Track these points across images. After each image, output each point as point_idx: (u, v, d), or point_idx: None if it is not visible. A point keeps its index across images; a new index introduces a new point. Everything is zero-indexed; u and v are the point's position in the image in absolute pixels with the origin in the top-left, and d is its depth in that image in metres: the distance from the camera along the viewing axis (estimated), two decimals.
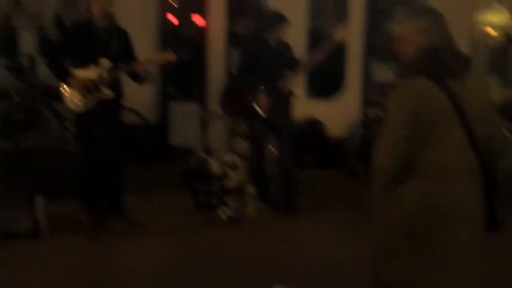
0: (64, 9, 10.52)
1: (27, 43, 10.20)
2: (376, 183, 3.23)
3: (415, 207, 3.12)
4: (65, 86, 6.19)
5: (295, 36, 8.33)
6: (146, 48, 8.42)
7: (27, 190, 6.82)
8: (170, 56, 6.23)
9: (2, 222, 5.87)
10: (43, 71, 9.17)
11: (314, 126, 9.18)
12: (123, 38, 6.30)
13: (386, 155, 3.16)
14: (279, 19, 6.88)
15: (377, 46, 9.52)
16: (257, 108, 6.80)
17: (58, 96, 7.12)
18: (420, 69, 3.14)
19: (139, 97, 8.92)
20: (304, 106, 9.15)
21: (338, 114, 9.27)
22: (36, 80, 9.21)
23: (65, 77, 6.16)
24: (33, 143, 8.80)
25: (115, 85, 6.23)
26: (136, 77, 6.26)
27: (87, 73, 6.08)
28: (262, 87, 6.79)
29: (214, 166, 7.51)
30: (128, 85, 6.44)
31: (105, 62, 6.06)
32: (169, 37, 9.66)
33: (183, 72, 9.93)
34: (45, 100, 8.89)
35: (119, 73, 6.13)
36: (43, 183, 7.11)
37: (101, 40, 6.13)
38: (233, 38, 9.98)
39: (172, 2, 9.80)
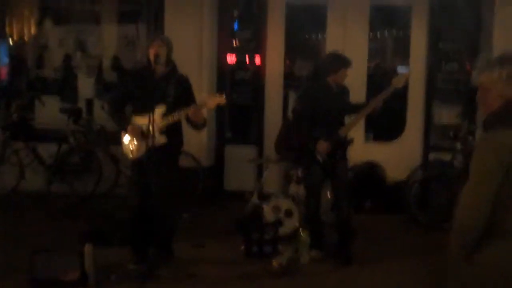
0: (123, 53, 10.63)
1: (86, 86, 10.31)
2: (456, 243, 2.95)
3: (497, 274, 2.84)
4: (123, 132, 6.20)
5: (355, 78, 8.17)
6: (203, 91, 8.40)
7: (78, 235, 6.79)
8: (221, 99, 6.08)
9: (50, 269, 5.75)
10: (100, 115, 9.24)
11: (373, 170, 8.91)
12: (182, 83, 6.21)
13: (469, 213, 2.88)
14: (344, 62, 6.67)
15: (440, 88, 9.25)
16: (314, 153, 6.58)
17: (114, 140, 7.13)
18: (506, 121, 2.90)
19: (195, 141, 8.85)
20: (363, 150, 8.96)
21: (398, 158, 9.01)
22: (93, 123, 9.25)
23: (124, 124, 6.16)
24: (87, 186, 8.81)
25: (173, 131, 6.12)
26: (191, 123, 6.14)
27: (144, 120, 6.01)
28: (319, 132, 6.57)
29: (268, 212, 7.35)
30: (184, 128, 6.36)
31: (160, 108, 5.98)
32: (226, 78, 9.60)
33: (240, 115, 9.83)
34: (101, 144, 8.90)
35: (174, 119, 6.01)
36: (94, 229, 7.06)
37: (159, 86, 6.06)
38: (291, 80, 9.87)
39: (232, 43, 9.72)
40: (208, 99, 6.14)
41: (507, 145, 2.85)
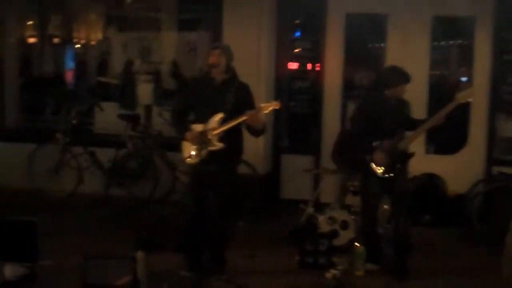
0: (183, 60, 10.68)
1: (145, 92, 10.40)
2: (508, 270, 2.80)
3: None
4: (183, 140, 6.22)
5: (416, 90, 8.01)
6: (261, 99, 8.35)
7: (132, 241, 6.81)
8: (275, 104, 6.07)
9: (102, 274, 5.76)
10: (158, 121, 9.30)
11: (433, 182, 8.71)
12: (242, 91, 6.20)
13: None
14: (402, 77, 6.52)
15: (504, 100, 9.00)
16: (371, 164, 6.45)
17: (171, 146, 7.13)
18: None
19: (251, 148, 8.80)
20: (424, 162, 8.77)
21: (460, 170, 8.80)
22: (150, 129, 9.31)
23: (183, 131, 6.18)
24: (144, 191, 8.87)
25: (232, 138, 6.09)
26: (250, 128, 6.10)
27: (204, 127, 6.05)
28: (377, 144, 6.43)
29: (324, 223, 7.24)
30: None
31: (219, 115, 5.98)
32: (285, 87, 9.54)
33: (297, 124, 9.76)
34: (158, 150, 8.94)
35: (231, 124, 5.98)
36: (149, 234, 7.07)
37: (218, 93, 6.07)
38: (350, 90, 9.75)
39: (291, 52, 9.65)
40: (263, 104, 6.10)
41: None
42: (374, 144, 6.41)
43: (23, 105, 10.79)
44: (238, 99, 6.09)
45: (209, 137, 5.99)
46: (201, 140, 6.04)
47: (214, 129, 5.97)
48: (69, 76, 11.81)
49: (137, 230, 7.42)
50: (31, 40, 11.88)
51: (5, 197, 8.52)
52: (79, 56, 11.88)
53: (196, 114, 6.27)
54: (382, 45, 9.53)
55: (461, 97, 6.35)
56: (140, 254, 5.85)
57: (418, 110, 8.44)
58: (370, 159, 6.44)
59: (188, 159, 6.20)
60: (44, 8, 11.75)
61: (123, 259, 5.93)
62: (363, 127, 6.57)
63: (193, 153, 6.12)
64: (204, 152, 6.04)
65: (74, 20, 12.00)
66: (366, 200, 6.74)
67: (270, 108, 6.09)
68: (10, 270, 5.83)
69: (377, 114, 6.49)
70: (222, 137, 6.02)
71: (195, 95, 6.26)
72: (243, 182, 8.37)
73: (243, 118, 5.94)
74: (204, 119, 6.02)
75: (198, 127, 6.10)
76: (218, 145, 6.00)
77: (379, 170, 6.42)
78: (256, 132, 6.16)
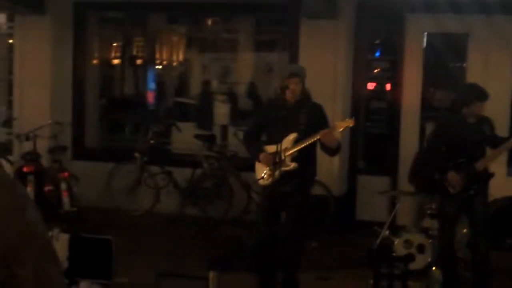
0: (260, 81, 10.74)
1: (221, 113, 10.47)
2: None
3: None
4: (256, 161, 6.24)
5: (497, 110, 7.79)
6: (337, 120, 8.27)
7: (206, 260, 6.83)
8: (349, 122, 6.00)
9: None
10: (233, 141, 9.34)
11: None
12: (316, 111, 6.16)
13: None
14: (479, 94, 6.34)
15: None
16: (447, 186, 6.28)
17: (245, 167, 7.13)
18: None
19: (326, 169, 8.73)
20: (505, 184, 8.50)
21: None
22: (226, 149, 9.36)
23: (256, 152, 6.19)
24: (219, 211, 8.91)
25: (306, 159, 6.05)
26: (324, 147, 6.04)
27: (276, 147, 6.01)
28: (453, 164, 6.26)
29: (399, 246, 7.08)
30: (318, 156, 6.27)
31: (292, 135, 5.95)
32: (361, 107, 9.44)
33: (374, 145, 9.62)
34: (233, 170, 8.97)
35: (305, 144, 5.93)
36: (222, 254, 7.08)
37: (292, 114, 6.05)
38: (428, 111, 9.56)
39: (368, 72, 9.55)
40: (337, 122, 6.04)
41: None
42: (450, 164, 6.24)
43: (103, 125, 11.05)
44: (312, 119, 6.05)
45: (282, 157, 5.96)
46: (274, 161, 6.01)
47: (287, 149, 5.94)
48: (149, 96, 12.04)
49: (210, 250, 7.43)
50: (113, 61, 12.19)
51: (84, 214, 8.69)
52: (158, 77, 12.11)
53: (269, 135, 6.27)
54: (463, 64, 9.33)
55: None
56: (212, 274, 5.84)
57: (500, 130, 8.22)
58: (444, 179, 6.28)
59: (260, 181, 6.18)
60: (126, 30, 12.05)
61: (196, 279, 5.96)
62: (439, 147, 6.43)
63: (265, 174, 6.10)
64: (277, 173, 5.99)
65: (155, 42, 12.25)
66: (444, 222, 6.57)
67: (345, 126, 6.03)
68: (86, 287, 5.91)
69: (454, 133, 6.35)
70: (296, 158, 5.98)
71: (268, 116, 6.27)
72: (318, 203, 8.35)
73: (317, 137, 5.89)
74: (276, 140, 5.97)
75: (271, 148, 6.08)
76: (292, 165, 5.97)
77: (454, 190, 6.24)
78: (330, 151, 6.10)
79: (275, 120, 6.12)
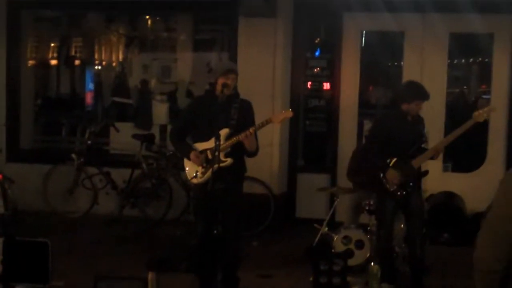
0: (199, 80, 10.66)
1: (160, 112, 10.39)
2: (478, 285, 2.70)
3: None
4: (186, 160, 6.14)
5: (433, 107, 7.92)
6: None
7: (145, 261, 6.75)
8: (287, 113, 6.01)
9: None
10: None
11: (451, 200, 8.57)
12: (245, 107, 6.10)
13: (486, 254, 2.64)
14: (420, 93, 6.42)
15: None
16: (384, 182, 6.35)
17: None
18: None
19: (266, 168, 8.76)
20: (441, 180, 8.67)
21: (478, 189, 8.64)
22: (165, 149, 9.28)
23: (187, 152, 6.10)
24: (158, 212, 8.83)
25: (237, 155, 6.00)
26: (244, 149, 5.99)
27: (207, 145, 5.98)
28: (391, 161, 6.33)
29: (338, 243, 7.13)
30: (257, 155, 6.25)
31: (224, 131, 5.89)
32: (300, 106, 9.48)
33: (313, 143, 9.69)
34: (172, 170, 8.90)
35: (238, 140, 5.90)
36: (161, 255, 7.01)
37: (223, 110, 5.99)
38: (366, 109, 9.67)
39: (306, 70, 9.60)
40: (274, 114, 6.02)
41: None
42: (388, 161, 6.32)
43: (39, 126, 10.82)
44: (242, 115, 6.01)
45: (218, 153, 5.88)
46: (207, 159, 5.98)
47: (219, 145, 5.78)
48: (86, 97, 11.85)
49: (149, 251, 7.35)
50: (49, 61, 11.96)
51: (20, 217, 8.49)
52: (96, 77, 11.93)
53: (199, 132, 6.14)
54: (399, 62, 9.47)
55: (478, 115, 6.24)
56: (151, 275, 5.76)
57: (436, 128, 8.38)
58: (383, 176, 6.35)
59: (194, 179, 6.11)
60: (62, 29, 11.83)
61: (134, 280, 5.87)
62: (378, 144, 6.49)
63: (198, 172, 6.03)
64: (211, 170, 5.94)
65: (93, 42, 12.06)
66: (382, 218, 6.64)
67: (283, 117, 6.01)
68: None
69: (393, 130, 6.41)
70: (229, 153, 5.92)
71: (198, 113, 6.15)
72: (258, 202, 8.36)
73: (241, 137, 5.85)
74: (207, 137, 5.94)
75: (201, 146, 6.03)
76: (228, 161, 5.88)
77: (392, 187, 6.32)
78: (248, 153, 6.04)
79: (205, 116, 6.04)
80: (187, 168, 6.17)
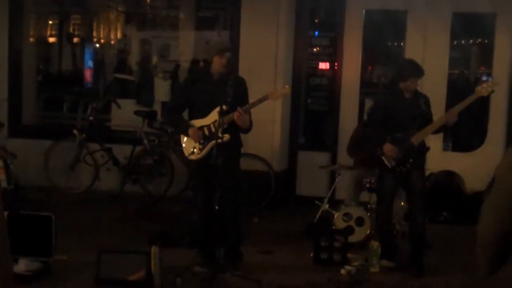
0: (201, 57, 10.66)
1: (162, 89, 10.39)
2: (479, 258, 2.72)
3: None
4: (182, 136, 6.21)
5: (435, 86, 7.94)
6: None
7: (147, 236, 6.81)
8: (285, 90, 6.08)
9: (115, 268, 5.75)
10: None
11: (451, 179, 8.61)
12: (240, 84, 6.17)
13: (488, 228, 2.66)
14: (415, 70, 6.45)
15: None
16: (384, 159, 6.39)
17: None
18: None
19: (267, 145, 8.80)
20: (441, 159, 8.69)
21: (478, 168, 8.66)
22: (167, 126, 9.27)
23: (184, 129, 6.17)
24: (159, 188, 8.86)
25: (234, 131, 6.04)
26: (238, 126, 6.03)
27: (204, 121, 6.04)
28: (390, 138, 6.37)
29: (339, 220, 7.18)
30: (256, 133, 6.26)
31: (223, 108, 5.91)
32: (302, 84, 9.49)
33: (314, 121, 9.70)
34: (174, 147, 8.92)
35: (231, 118, 5.93)
36: (163, 230, 7.06)
37: (218, 87, 6.03)
38: (368, 87, 9.68)
39: (309, 49, 9.58)
40: (272, 91, 6.04)
41: None
42: (388, 138, 6.35)
43: (41, 102, 10.83)
44: (236, 92, 6.06)
45: (213, 130, 5.91)
46: (204, 135, 6.03)
47: (217, 121, 5.86)
48: (87, 73, 11.86)
49: (152, 226, 7.40)
50: (50, 39, 11.95)
51: (22, 192, 8.53)
52: (97, 54, 11.92)
53: (194, 110, 6.20)
54: (402, 42, 9.46)
55: (481, 89, 6.25)
56: (154, 249, 5.82)
57: (437, 108, 8.38)
58: (381, 152, 6.39)
59: (191, 156, 6.16)
60: (63, 7, 11.81)
61: (137, 254, 5.93)
62: (378, 121, 6.55)
63: (195, 148, 6.09)
64: (209, 147, 5.98)
65: (93, 19, 12.04)
66: (382, 196, 6.69)
67: (279, 95, 6.04)
68: (25, 265, 5.83)
69: (391, 108, 6.47)
70: (227, 130, 5.94)
71: (194, 90, 6.19)
72: (259, 179, 8.39)
73: (235, 116, 5.88)
74: (203, 114, 5.99)
75: (198, 123, 6.09)
76: (226, 137, 5.91)
77: (390, 163, 6.35)
78: (243, 129, 6.09)
79: (201, 94, 6.09)
80: (184, 145, 6.23)
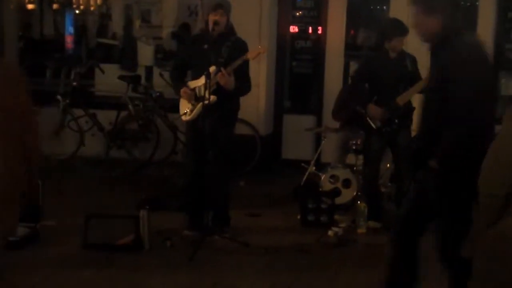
0: (184, 21, 10.56)
1: (145, 54, 10.31)
2: (481, 208, 2.79)
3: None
4: (180, 98, 6.18)
5: (420, 48, 7.88)
6: (262, 60, 8.28)
7: (135, 201, 6.80)
8: (261, 49, 6.01)
9: (104, 233, 5.76)
10: (159, 82, 9.24)
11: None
12: (239, 47, 6.04)
13: (491, 179, 2.71)
14: (399, 28, 6.42)
15: (508, 59, 8.90)
16: (369, 120, 6.40)
17: (172, 107, 7.03)
18: None
19: (253, 109, 8.77)
20: None
21: None
22: (152, 91, 9.23)
23: (177, 88, 6.16)
24: (145, 153, 8.84)
25: (227, 94, 5.97)
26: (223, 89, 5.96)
27: (197, 82, 5.98)
28: (375, 99, 6.38)
29: (326, 182, 7.22)
30: (242, 97, 6.22)
31: (211, 69, 5.87)
32: (287, 48, 9.45)
33: (299, 84, 9.69)
34: (159, 111, 8.89)
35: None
36: (151, 195, 7.06)
37: (214, 48, 5.98)
38: (352, 50, 9.66)
39: (293, 12, 9.52)
40: (249, 51, 5.99)
41: None
42: (371, 98, 6.36)
43: (23, 69, 10.70)
44: (234, 53, 5.96)
45: (204, 91, 5.88)
46: (195, 96, 6.00)
47: (207, 83, 5.74)
48: (69, 39, 11.72)
49: (139, 191, 7.39)
50: (30, 5, 11.77)
51: None
52: (78, 19, 11.77)
53: (193, 70, 6.21)
54: (386, 5, 9.41)
55: None
56: (143, 213, 5.83)
57: (422, 66, 8.38)
58: (365, 113, 6.40)
59: (183, 116, 6.16)
60: None
61: (126, 218, 5.94)
62: (362, 82, 6.55)
63: (187, 109, 6.06)
64: (197, 108, 5.95)
65: None
66: (369, 157, 6.71)
67: (256, 53, 5.97)
68: None
69: (377, 69, 6.46)
70: (215, 91, 5.89)
71: (191, 51, 6.20)
72: (245, 143, 8.39)
73: (217, 78, 5.82)
74: (199, 75, 5.93)
75: (193, 83, 6.05)
76: (212, 98, 5.83)
77: (376, 124, 6.37)
78: (230, 93, 5.97)
79: (197, 54, 6.05)
80: (180, 106, 6.20)
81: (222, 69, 5.83)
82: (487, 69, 4.09)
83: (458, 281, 4.01)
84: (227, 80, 5.81)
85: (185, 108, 6.11)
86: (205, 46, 5.98)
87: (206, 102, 5.74)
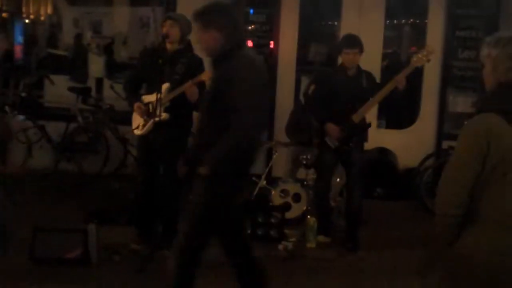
0: (135, 35, 10.53)
1: (96, 65, 10.23)
2: (437, 229, 2.83)
3: (477, 261, 2.72)
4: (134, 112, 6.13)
5: (369, 66, 7.99)
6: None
7: (83, 214, 6.72)
8: (205, 75, 5.87)
9: (51, 246, 5.67)
10: (109, 94, 9.16)
11: (384, 156, 8.77)
12: (194, 63, 6.00)
13: (447, 199, 2.76)
14: (347, 41, 6.47)
15: (456, 76, 9.07)
16: (327, 140, 6.43)
17: (122, 120, 6.97)
18: (493, 104, 2.75)
19: None
20: (375, 136, 8.81)
21: (411, 145, 8.89)
22: (102, 103, 9.16)
23: (131, 102, 6.11)
24: (95, 166, 8.75)
25: (181, 111, 5.96)
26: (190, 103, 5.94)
27: (151, 97, 5.93)
28: (330, 116, 6.41)
29: (276, 196, 7.24)
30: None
31: (165, 85, 5.84)
32: None
33: None
34: (110, 124, 8.81)
35: (174, 95, 5.87)
36: (100, 208, 6.98)
37: (169, 64, 5.93)
38: (304, 65, 9.74)
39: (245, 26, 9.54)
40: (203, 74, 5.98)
41: (486, 128, 2.70)
42: (327, 116, 6.39)
43: None
44: (189, 70, 5.92)
45: (156, 107, 5.82)
46: (148, 111, 5.95)
47: (159, 99, 5.70)
48: (18, 50, 11.57)
49: (88, 204, 7.30)
50: None
51: None
52: (28, 29, 11.63)
53: (147, 85, 6.16)
54: (338, 21, 9.52)
55: (417, 59, 6.29)
56: (91, 227, 5.77)
57: None
58: (323, 131, 6.42)
59: (135, 131, 6.11)
60: None
61: (74, 232, 5.85)
62: (316, 99, 6.54)
63: (140, 124, 6.02)
64: (149, 124, 5.92)
65: None
66: (321, 172, 6.73)
67: (208, 76, 5.93)
68: None
69: (330, 85, 6.47)
70: (168, 108, 5.88)
71: (146, 65, 6.10)
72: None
73: (183, 89, 5.83)
74: (153, 90, 5.86)
75: (147, 98, 6.01)
76: (163, 116, 5.80)
77: (333, 143, 6.40)
78: (192, 106, 5.96)
79: (152, 69, 5.96)
80: (133, 120, 6.16)
81: (190, 80, 5.80)
82: (261, 84, 4.26)
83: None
84: (192, 92, 5.78)
85: (138, 122, 6.07)
86: (160, 61, 5.90)
87: (157, 119, 5.71)
